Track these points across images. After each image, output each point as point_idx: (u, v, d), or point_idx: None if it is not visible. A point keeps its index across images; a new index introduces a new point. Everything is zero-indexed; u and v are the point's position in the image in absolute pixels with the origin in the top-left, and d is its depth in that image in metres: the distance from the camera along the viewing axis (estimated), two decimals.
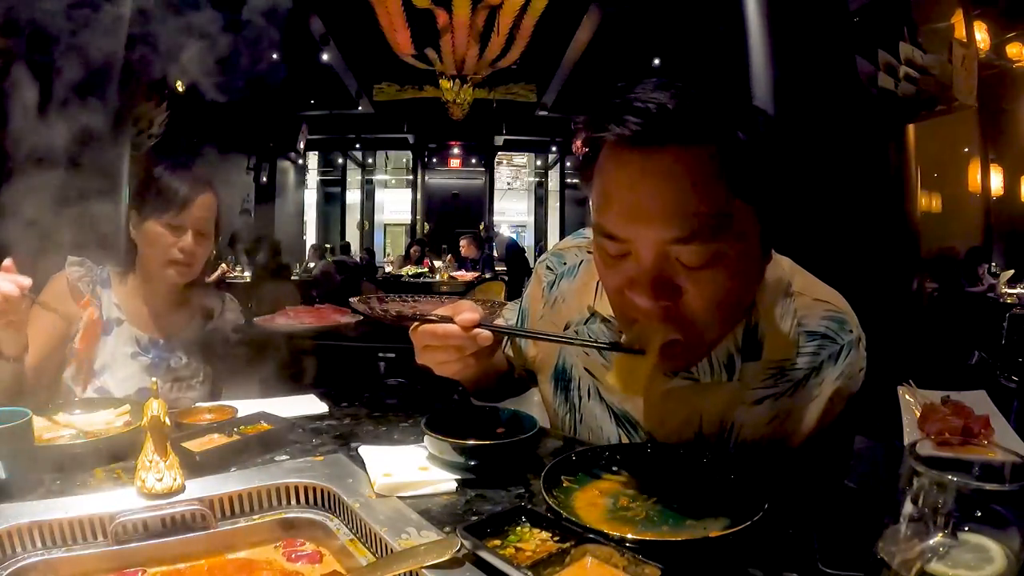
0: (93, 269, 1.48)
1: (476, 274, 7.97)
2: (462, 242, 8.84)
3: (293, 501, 0.81)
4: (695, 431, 0.91)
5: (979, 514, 0.45)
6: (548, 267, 1.09)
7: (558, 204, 17.87)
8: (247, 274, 7.20)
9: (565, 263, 1.08)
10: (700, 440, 0.90)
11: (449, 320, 0.84)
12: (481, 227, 12.25)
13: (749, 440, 0.89)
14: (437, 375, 0.92)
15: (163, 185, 1.41)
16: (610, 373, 0.81)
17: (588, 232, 1.07)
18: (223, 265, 7.26)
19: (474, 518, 0.71)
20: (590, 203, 0.81)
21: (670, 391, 0.90)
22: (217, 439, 0.94)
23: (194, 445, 0.90)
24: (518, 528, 0.67)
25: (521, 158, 18.93)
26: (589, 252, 1.03)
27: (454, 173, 17.38)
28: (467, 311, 0.85)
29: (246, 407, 1.07)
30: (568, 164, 17.03)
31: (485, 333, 0.84)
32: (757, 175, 0.74)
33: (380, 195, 19.01)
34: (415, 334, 0.87)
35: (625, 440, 0.96)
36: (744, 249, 0.75)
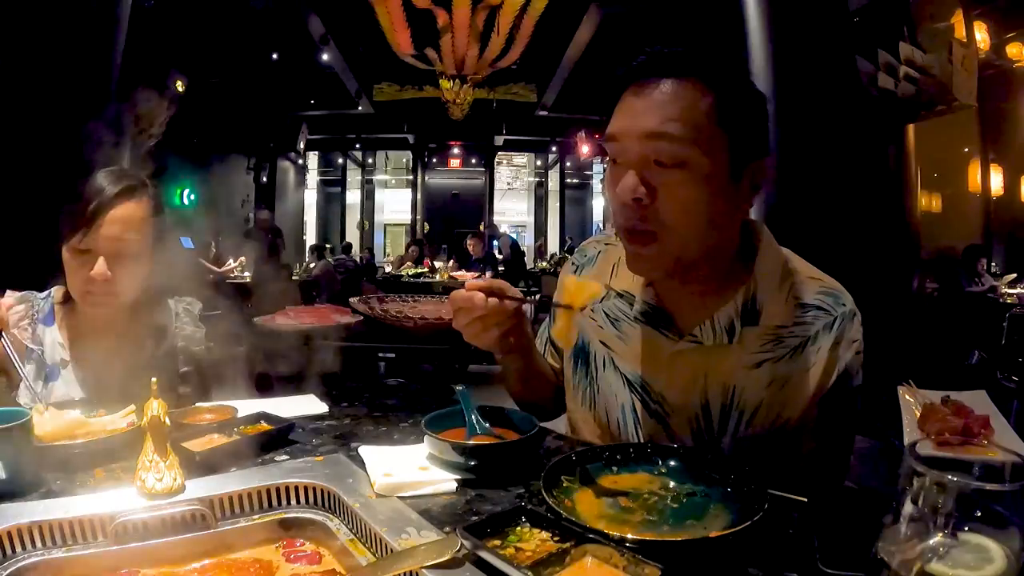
0: (36, 303, 1.29)
1: (476, 274, 7.97)
2: (469, 241, 8.89)
3: (293, 501, 0.81)
4: (701, 394, 0.97)
5: (979, 514, 0.45)
6: (572, 262, 1.21)
7: (558, 204, 17.89)
8: (247, 274, 7.20)
9: (586, 256, 1.19)
10: (706, 404, 0.97)
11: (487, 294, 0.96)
12: (481, 227, 12.27)
13: (751, 405, 0.95)
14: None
15: (71, 201, 1.16)
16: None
17: (607, 230, 1.24)
18: (230, 262, 7.28)
19: (474, 518, 0.71)
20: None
21: (677, 354, 0.98)
22: (217, 439, 0.94)
23: (194, 445, 0.90)
24: (518, 528, 0.67)
25: (521, 158, 18.94)
26: (607, 244, 1.16)
27: (454, 173, 17.39)
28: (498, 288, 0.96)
29: (246, 407, 1.07)
30: (568, 164, 17.04)
31: (497, 303, 0.96)
32: (731, 106, 0.88)
33: (380, 195, 19.02)
34: (451, 299, 0.99)
35: (639, 405, 1.02)
36: (714, 167, 0.87)
